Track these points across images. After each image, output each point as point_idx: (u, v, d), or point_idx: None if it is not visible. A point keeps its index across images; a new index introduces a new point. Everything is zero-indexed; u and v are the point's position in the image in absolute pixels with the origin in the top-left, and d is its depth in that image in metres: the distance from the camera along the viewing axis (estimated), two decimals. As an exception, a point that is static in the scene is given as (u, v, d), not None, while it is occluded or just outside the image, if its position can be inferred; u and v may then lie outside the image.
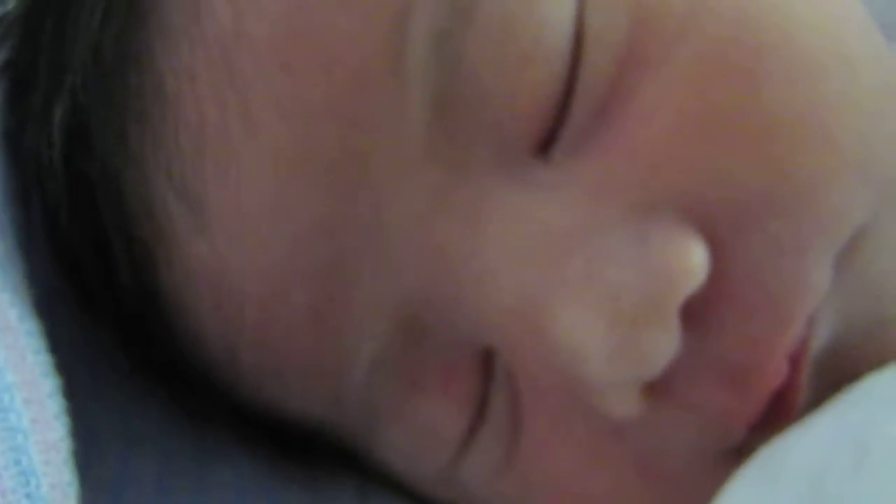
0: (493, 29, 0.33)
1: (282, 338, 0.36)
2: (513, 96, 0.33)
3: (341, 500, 0.44)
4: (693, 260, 0.32)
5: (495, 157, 0.34)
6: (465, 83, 0.33)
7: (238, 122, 0.34)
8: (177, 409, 0.42)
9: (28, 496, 0.30)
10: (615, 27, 0.34)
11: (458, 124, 0.34)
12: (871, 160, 0.34)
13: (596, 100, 0.34)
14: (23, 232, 0.38)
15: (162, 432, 0.43)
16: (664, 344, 0.32)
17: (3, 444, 0.31)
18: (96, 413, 0.38)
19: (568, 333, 0.33)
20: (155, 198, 0.35)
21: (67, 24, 0.37)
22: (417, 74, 0.33)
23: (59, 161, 0.36)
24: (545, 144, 0.34)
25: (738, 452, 0.34)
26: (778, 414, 0.34)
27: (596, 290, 0.33)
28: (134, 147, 0.35)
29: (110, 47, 0.35)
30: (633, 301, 0.32)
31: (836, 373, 0.35)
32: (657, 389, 0.34)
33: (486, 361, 0.36)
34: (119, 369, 0.41)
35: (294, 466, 0.43)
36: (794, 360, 0.34)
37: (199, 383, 0.39)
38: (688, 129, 0.33)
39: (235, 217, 0.34)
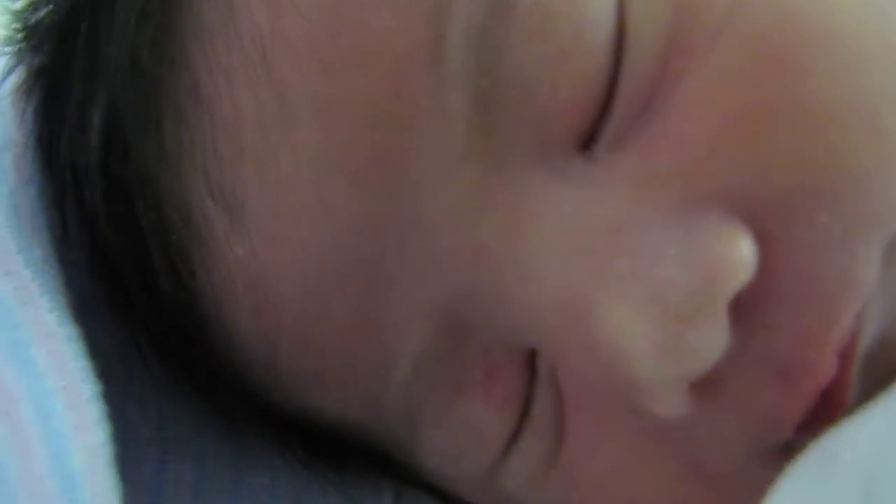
0: (533, 22, 0.33)
1: (321, 339, 0.36)
2: (554, 91, 0.33)
3: (379, 501, 0.44)
4: (741, 254, 0.32)
5: (536, 154, 0.34)
6: (505, 78, 0.33)
7: (276, 121, 0.34)
8: (213, 414, 0.43)
9: (72, 500, 0.31)
10: (657, 18, 0.33)
11: (499, 120, 0.34)
12: None
13: (639, 93, 0.34)
14: (58, 236, 0.39)
15: (198, 437, 0.43)
16: (713, 340, 0.32)
17: (47, 449, 0.31)
18: (132, 418, 0.38)
19: (614, 332, 0.33)
20: (192, 200, 0.35)
21: (101, 28, 0.37)
22: (456, 71, 0.33)
23: (96, 167, 0.36)
24: (587, 139, 0.34)
25: (785, 451, 0.34)
26: (826, 411, 0.34)
27: (642, 287, 0.33)
28: (170, 150, 0.35)
29: (145, 50, 0.35)
30: (681, 297, 0.32)
31: (883, 368, 0.35)
32: (705, 387, 0.33)
33: (530, 362, 0.37)
34: (154, 374, 0.41)
35: (329, 470, 0.43)
36: (844, 357, 0.34)
37: (236, 387, 0.40)
38: (733, 122, 0.33)
39: (273, 218, 0.35)
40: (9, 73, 0.40)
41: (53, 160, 0.38)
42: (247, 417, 0.41)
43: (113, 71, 0.36)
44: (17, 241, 0.36)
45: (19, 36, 0.41)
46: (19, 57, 0.41)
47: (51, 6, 0.40)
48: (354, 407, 0.38)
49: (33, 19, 0.41)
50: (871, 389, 0.34)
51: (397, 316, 0.35)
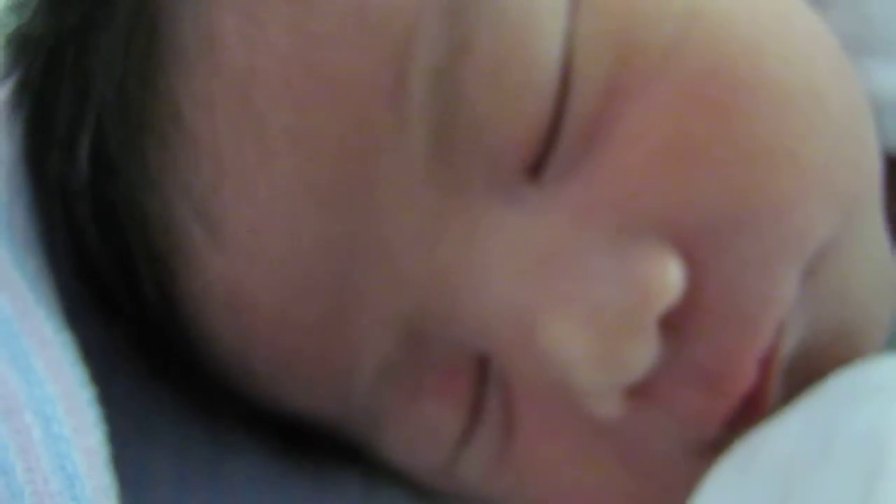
0: (488, 64, 0.38)
1: (292, 347, 0.41)
2: (507, 126, 0.38)
3: (348, 489, 0.49)
4: (669, 276, 0.37)
5: (490, 182, 0.39)
6: (461, 115, 0.38)
7: (253, 151, 0.38)
8: (191, 408, 0.47)
9: (74, 498, 0.35)
10: (600, 61, 0.38)
11: (456, 152, 0.38)
12: (834, 180, 0.39)
13: (582, 128, 0.38)
14: (48, 245, 0.43)
15: (177, 430, 0.48)
16: (643, 353, 0.37)
17: (50, 451, 0.36)
18: (112, 416, 0.41)
19: (556, 344, 0.37)
20: (176, 219, 0.40)
21: (89, 52, 0.41)
22: (417, 108, 0.38)
23: (84, 186, 0.40)
24: (536, 169, 0.39)
25: (716, 447, 0.39)
26: (750, 413, 0.39)
27: (581, 305, 0.37)
28: (155, 173, 0.39)
29: (131, 77, 0.39)
30: (615, 315, 0.37)
31: (806, 373, 0.40)
32: (639, 392, 0.38)
33: (482, 366, 0.41)
34: (131, 372, 0.46)
35: (303, 459, 0.48)
36: (764, 365, 0.39)
37: (214, 384, 0.44)
38: (665, 158, 0.38)
39: (251, 238, 0.39)
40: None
41: (43, 177, 0.42)
42: (224, 411, 0.46)
43: (100, 96, 0.40)
44: (12, 254, 0.40)
45: (7, 52, 0.45)
46: (6, 72, 0.45)
47: (39, 25, 0.44)
48: (323, 405, 0.43)
49: (20, 35, 0.45)
50: (796, 392, 0.39)
51: (362, 326, 0.40)
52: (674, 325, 0.38)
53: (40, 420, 0.36)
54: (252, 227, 0.39)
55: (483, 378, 0.42)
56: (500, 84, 0.38)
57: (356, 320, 0.40)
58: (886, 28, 0.47)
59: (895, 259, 0.47)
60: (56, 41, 0.42)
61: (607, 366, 0.37)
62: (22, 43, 0.45)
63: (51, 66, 0.42)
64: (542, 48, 0.38)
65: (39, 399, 0.36)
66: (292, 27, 0.38)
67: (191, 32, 0.39)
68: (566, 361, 0.38)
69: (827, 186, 0.39)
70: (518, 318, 0.38)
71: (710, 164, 0.38)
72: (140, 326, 0.43)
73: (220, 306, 0.41)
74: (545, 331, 0.38)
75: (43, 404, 0.36)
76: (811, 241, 0.39)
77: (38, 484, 0.35)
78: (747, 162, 0.38)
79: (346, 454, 0.47)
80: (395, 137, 0.38)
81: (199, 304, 0.41)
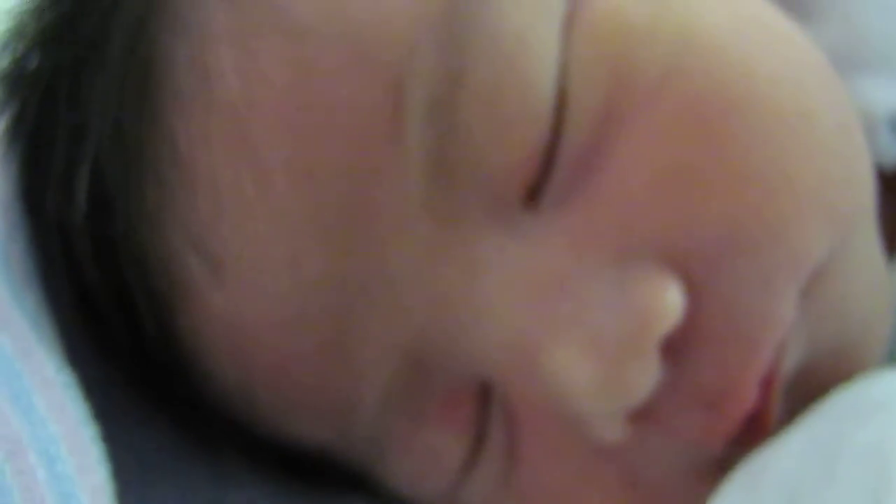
0: (483, 94, 0.38)
1: (295, 379, 0.41)
2: (503, 154, 0.38)
3: None
4: (668, 301, 0.37)
5: (488, 210, 0.39)
6: (458, 144, 0.38)
7: (252, 184, 0.39)
8: (192, 442, 0.47)
9: (82, 538, 0.36)
10: (594, 89, 0.39)
11: (453, 181, 0.39)
12: (828, 200, 0.40)
13: (578, 155, 0.39)
14: (46, 280, 0.43)
15: (179, 466, 0.48)
16: (645, 378, 0.38)
17: (55, 491, 0.36)
18: (113, 452, 0.41)
19: (558, 371, 0.38)
20: (174, 255, 0.40)
21: (84, 88, 0.41)
22: (414, 139, 0.38)
23: (82, 223, 0.40)
24: (533, 196, 0.39)
25: (720, 466, 0.40)
26: (753, 432, 0.39)
27: (582, 331, 0.38)
28: (153, 209, 0.40)
29: (127, 114, 0.40)
30: (615, 341, 0.37)
31: (807, 390, 0.40)
32: (641, 415, 0.39)
33: (484, 393, 0.42)
34: (130, 407, 0.45)
35: (305, 488, 0.48)
36: (765, 385, 0.39)
37: (215, 416, 0.45)
38: (661, 183, 0.38)
39: (251, 271, 0.39)
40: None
41: (40, 214, 0.43)
42: (226, 444, 0.46)
43: (96, 133, 0.40)
44: (12, 291, 0.41)
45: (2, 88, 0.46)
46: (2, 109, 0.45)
47: (33, 61, 0.44)
48: (325, 434, 0.43)
49: (14, 71, 0.45)
50: (799, 408, 0.40)
51: (364, 356, 0.40)
52: (675, 347, 0.38)
53: (44, 460, 0.36)
54: (251, 262, 0.39)
55: (485, 404, 0.42)
56: (495, 113, 0.38)
57: (358, 351, 0.40)
58: (878, 43, 0.48)
59: (891, 273, 0.48)
60: (51, 78, 0.42)
61: (610, 391, 0.38)
62: (16, 79, 0.45)
63: (46, 102, 0.43)
64: (537, 77, 0.38)
65: (42, 439, 0.37)
66: (288, 60, 0.38)
67: (186, 68, 0.39)
68: (569, 388, 0.38)
69: (821, 206, 0.39)
70: (520, 345, 0.39)
71: (704, 189, 0.38)
72: (140, 362, 0.43)
73: (221, 340, 0.41)
74: (547, 358, 0.38)
75: (46, 444, 0.37)
76: (808, 262, 0.39)
77: (46, 525, 0.35)
78: (741, 185, 0.38)
79: (348, 482, 0.48)
80: (394, 168, 0.38)
81: (199, 338, 0.41)
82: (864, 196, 0.42)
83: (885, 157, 0.47)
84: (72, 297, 0.43)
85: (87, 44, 0.42)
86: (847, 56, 0.47)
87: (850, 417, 0.38)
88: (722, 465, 0.40)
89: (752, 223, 0.38)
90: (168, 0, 0.40)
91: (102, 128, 0.40)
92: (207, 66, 0.39)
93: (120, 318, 0.42)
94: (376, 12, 0.38)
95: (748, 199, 0.38)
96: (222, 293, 0.40)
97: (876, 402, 0.38)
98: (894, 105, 0.47)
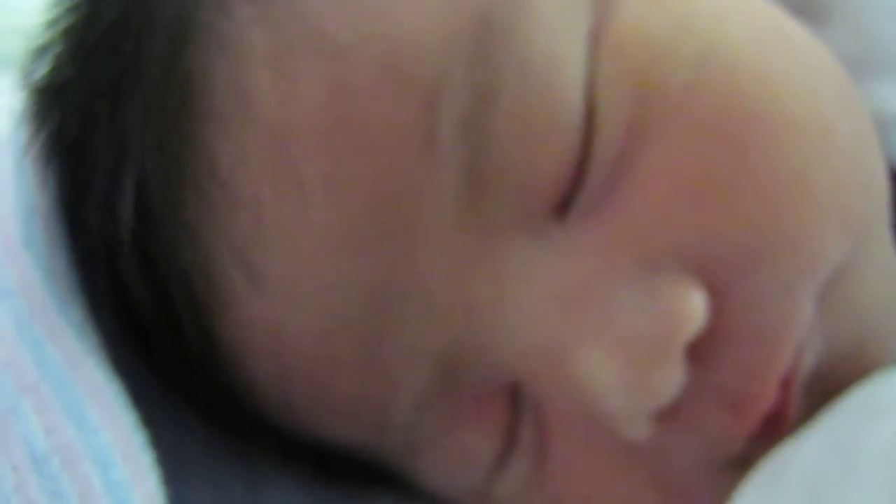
0: (514, 111, 0.41)
1: (332, 384, 0.44)
2: (534, 168, 0.41)
3: None
4: (693, 307, 0.40)
5: (519, 222, 0.42)
6: (490, 159, 0.41)
7: (291, 199, 0.41)
8: (225, 441, 0.50)
9: (139, 543, 0.38)
10: (621, 104, 0.41)
11: (485, 195, 0.41)
12: (845, 207, 0.42)
13: (607, 168, 0.41)
14: (89, 292, 0.46)
15: (214, 464, 0.50)
16: (670, 381, 0.40)
17: (109, 497, 0.38)
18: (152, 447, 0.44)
19: (587, 375, 0.41)
20: (216, 267, 0.42)
21: (123, 107, 0.43)
22: (448, 155, 0.41)
23: (126, 237, 0.43)
24: (563, 208, 0.42)
25: (742, 463, 0.42)
26: (773, 430, 0.42)
27: (610, 336, 0.41)
28: (195, 224, 0.42)
29: (168, 133, 0.42)
30: (643, 345, 0.40)
31: (826, 387, 0.43)
32: (667, 414, 0.41)
33: (514, 394, 0.45)
34: (166, 408, 0.48)
35: (337, 485, 0.51)
36: (785, 385, 0.42)
37: (249, 417, 0.47)
38: (685, 193, 0.41)
39: (290, 283, 0.42)
40: (31, 142, 0.47)
41: (83, 229, 0.45)
42: (260, 444, 0.49)
43: (138, 150, 0.43)
44: (58, 305, 0.43)
45: (38, 103, 0.48)
46: (38, 125, 0.48)
47: (67, 76, 0.47)
48: (361, 436, 0.46)
49: (47, 85, 0.48)
50: (818, 407, 0.42)
51: (399, 361, 0.43)
52: (699, 350, 0.41)
53: (99, 468, 0.39)
54: (291, 274, 0.42)
55: (516, 405, 0.45)
56: (526, 129, 0.41)
57: (393, 356, 0.43)
58: (890, 48, 0.51)
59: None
60: (91, 94, 0.45)
61: (637, 393, 0.40)
62: (50, 93, 0.47)
63: (84, 119, 0.45)
64: (566, 93, 0.41)
65: (96, 447, 0.39)
66: (325, 80, 0.41)
67: (224, 87, 0.42)
68: (598, 390, 0.41)
69: (839, 213, 0.42)
70: (549, 350, 0.42)
71: (726, 199, 0.41)
72: (180, 368, 0.46)
73: (261, 349, 0.44)
74: (576, 361, 0.41)
75: (100, 452, 0.39)
76: (826, 267, 0.42)
77: (104, 530, 0.38)
78: (762, 195, 0.41)
79: (379, 479, 0.51)
80: (428, 183, 0.41)
81: (240, 346, 0.44)
82: (880, 200, 0.45)
83: None
84: (114, 309, 0.46)
85: (126, 60, 0.44)
86: (861, 60, 0.50)
87: (869, 415, 0.40)
88: (746, 461, 0.42)
89: (771, 232, 0.41)
90: (205, 18, 0.43)
91: (144, 145, 0.43)
92: (245, 85, 0.41)
93: (162, 328, 0.45)
94: (410, 32, 0.41)
95: (768, 209, 0.41)
96: (263, 303, 0.43)
97: (893, 399, 0.41)
98: None
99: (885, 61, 0.51)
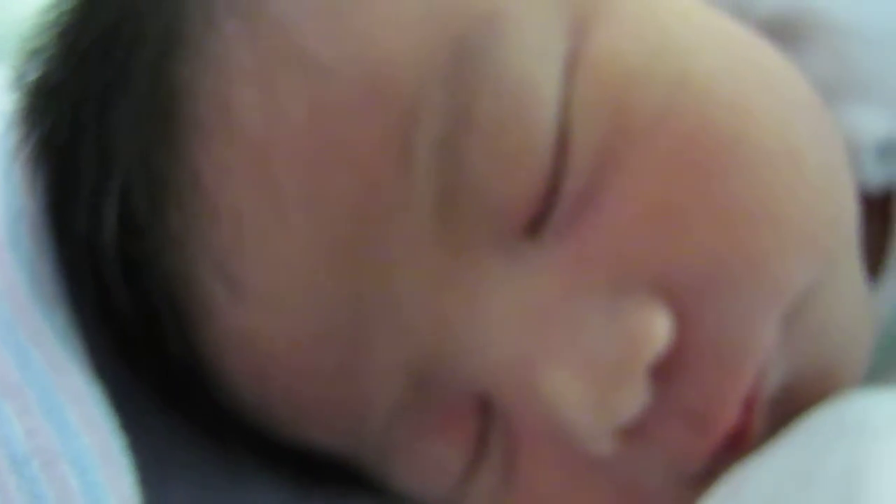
0: (489, 131, 0.42)
1: (308, 392, 0.45)
2: (507, 188, 0.42)
3: None
4: (657, 329, 0.41)
5: (491, 240, 0.43)
6: (464, 179, 0.42)
7: (270, 214, 0.42)
8: (207, 439, 0.52)
9: (113, 545, 0.40)
10: (595, 127, 0.42)
11: (460, 213, 0.42)
12: (811, 237, 0.43)
13: (578, 190, 0.42)
14: (73, 297, 0.47)
15: (194, 461, 0.52)
16: (634, 399, 0.41)
17: (86, 498, 0.40)
18: (136, 446, 0.45)
19: (553, 393, 0.42)
20: (197, 277, 0.44)
21: (110, 116, 0.45)
22: (423, 174, 0.42)
23: (111, 245, 0.44)
24: (535, 228, 0.43)
25: (706, 479, 0.44)
26: (736, 447, 0.43)
27: (576, 355, 0.42)
28: (177, 233, 0.44)
29: (151, 143, 0.44)
30: (607, 364, 0.41)
31: (789, 408, 0.44)
32: (631, 431, 0.43)
33: (484, 407, 0.46)
34: (149, 404, 0.50)
35: (316, 488, 0.53)
36: (748, 405, 0.43)
37: (232, 422, 0.49)
38: (652, 218, 0.42)
39: (269, 294, 0.43)
40: (20, 146, 0.48)
41: (67, 235, 0.46)
42: (240, 446, 0.51)
43: (124, 158, 0.44)
44: (42, 308, 0.44)
45: (29, 105, 0.49)
46: (28, 129, 0.49)
47: (59, 80, 0.48)
48: (336, 442, 0.48)
49: (39, 87, 0.49)
50: (778, 427, 0.44)
51: (373, 372, 0.44)
52: (663, 371, 0.42)
53: (77, 470, 0.40)
54: (270, 285, 0.43)
55: (486, 417, 0.46)
56: (500, 150, 0.42)
57: (367, 369, 0.44)
58: (865, 75, 0.52)
59: (873, 296, 0.52)
60: (80, 100, 0.46)
61: (601, 411, 0.42)
62: (41, 96, 0.48)
63: (73, 125, 0.46)
64: (540, 116, 0.42)
65: (75, 450, 0.41)
66: (307, 98, 0.42)
67: (208, 101, 0.43)
68: (562, 407, 0.42)
69: (805, 243, 0.43)
70: (518, 367, 0.43)
71: (692, 224, 0.42)
72: (162, 371, 0.47)
73: (240, 356, 0.45)
74: (543, 379, 0.42)
75: (79, 455, 0.41)
76: (789, 294, 0.43)
77: (79, 530, 0.39)
78: (726, 222, 0.42)
79: (357, 481, 0.52)
80: (403, 201, 0.42)
81: (219, 353, 0.45)
82: (848, 229, 0.46)
83: (869, 182, 0.51)
84: (98, 313, 0.47)
85: (116, 68, 0.45)
86: (835, 85, 0.51)
87: (828, 437, 0.42)
88: (709, 476, 0.43)
89: (735, 259, 0.42)
90: (192, 32, 0.44)
91: (129, 154, 0.44)
92: (229, 100, 0.43)
93: (144, 334, 0.46)
94: (390, 54, 0.42)
95: (732, 236, 0.42)
96: (242, 313, 0.44)
97: (853, 422, 0.42)
98: (880, 133, 0.51)
99: (860, 87, 0.52)
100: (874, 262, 0.52)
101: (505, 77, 0.42)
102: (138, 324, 0.46)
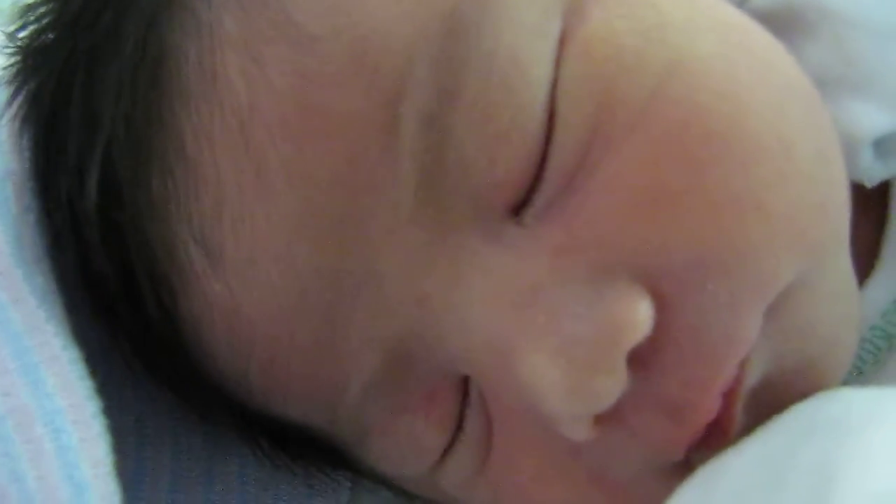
0: (475, 110, 0.42)
1: (286, 365, 0.45)
2: (491, 168, 0.42)
3: (338, 489, 0.54)
4: (637, 315, 0.41)
5: (474, 220, 0.43)
6: (449, 157, 0.42)
7: (251, 182, 0.43)
8: (186, 410, 0.52)
9: (82, 506, 0.40)
10: (583, 110, 0.42)
11: (442, 191, 0.43)
12: (801, 229, 0.43)
13: (563, 173, 0.42)
14: (55, 260, 0.47)
15: (173, 430, 0.53)
16: (611, 386, 0.41)
17: (59, 460, 0.40)
18: (113, 412, 0.45)
19: (531, 375, 0.42)
20: (177, 243, 0.44)
21: (96, 81, 0.45)
22: (407, 150, 0.42)
23: (92, 210, 0.44)
24: (518, 209, 0.43)
25: (683, 468, 0.44)
26: (714, 438, 0.44)
27: (555, 339, 0.42)
28: (159, 200, 0.44)
29: (137, 109, 0.44)
30: (586, 350, 0.41)
31: (769, 402, 0.44)
32: (608, 418, 0.43)
33: (463, 387, 0.46)
34: (131, 374, 0.50)
35: (292, 461, 0.53)
36: (727, 398, 0.43)
37: (210, 392, 0.49)
38: (640, 204, 0.42)
39: (248, 264, 0.44)
40: (9, 104, 0.49)
41: (51, 197, 0.47)
42: (219, 415, 0.51)
43: (108, 122, 0.44)
44: (23, 270, 0.45)
45: (17, 66, 0.49)
46: (17, 88, 0.49)
47: (48, 41, 0.48)
48: (313, 416, 0.48)
49: (29, 47, 0.49)
50: (758, 419, 0.44)
51: (351, 348, 0.45)
52: (643, 358, 0.42)
53: (50, 432, 0.41)
54: (249, 255, 0.43)
55: (464, 398, 0.46)
56: (486, 129, 0.42)
57: (345, 342, 0.44)
58: (865, 68, 0.51)
59: (863, 291, 0.52)
60: (68, 62, 0.46)
61: (577, 396, 0.42)
62: (30, 56, 0.49)
63: (60, 87, 0.46)
64: (528, 96, 0.42)
65: (49, 411, 0.41)
66: (292, 68, 0.42)
67: (194, 68, 0.43)
68: (539, 391, 0.42)
69: (793, 233, 0.43)
70: (497, 347, 0.43)
71: (680, 212, 0.42)
72: (141, 338, 0.48)
73: (218, 325, 0.45)
74: (521, 361, 0.42)
75: (53, 416, 0.41)
76: (774, 285, 0.43)
77: (49, 492, 0.40)
78: (715, 210, 0.42)
79: (334, 460, 0.53)
80: (386, 175, 0.42)
81: (198, 322, 0.46)
82: (838, 223, 0.46)
83: (865, 176, 0.51)
84: (79, 277, 0.47)
85: (104, 31, 0.45)
86: (836, 78, 0.51)
87: (803, 433, 0.42)
88: (685, 467, 0.44)
89: (721, 248, 0.42)
90: None
91: (114, 118, 0.44)
92: (215, 67, 0.43)
93: (124, 298, 0.46)
94: (379, 26, 0.42)
95: (719, 225, 0.42)
96: (220, 282, 0.44)
97: (830, 419, 0.42)
98: (878, 128, 0.51)
99: (860, 80, 0.52)
100: (866, 259, 0.52)
101: (494, 54, 0.42)
102: (118, 289, 0.46)
